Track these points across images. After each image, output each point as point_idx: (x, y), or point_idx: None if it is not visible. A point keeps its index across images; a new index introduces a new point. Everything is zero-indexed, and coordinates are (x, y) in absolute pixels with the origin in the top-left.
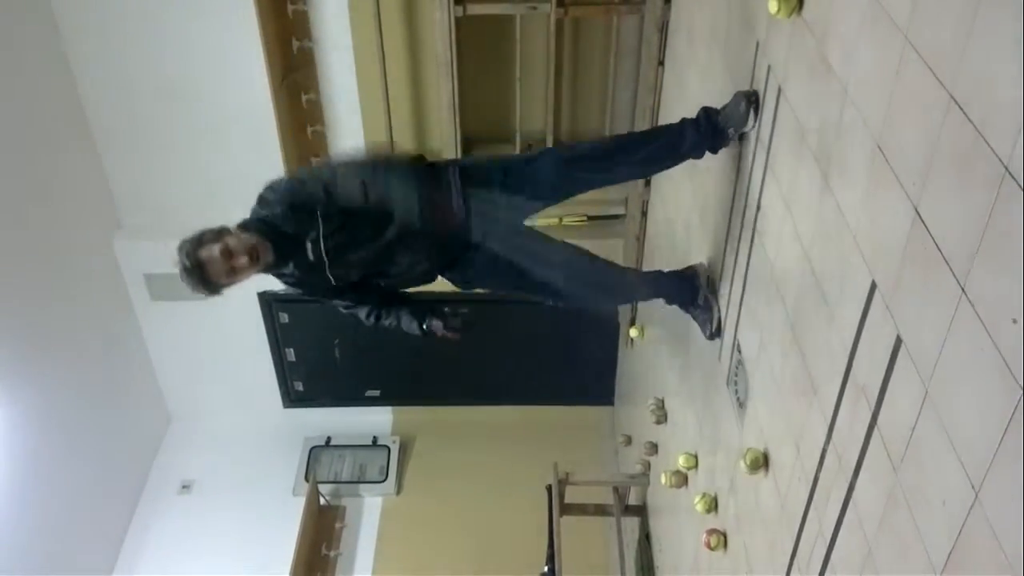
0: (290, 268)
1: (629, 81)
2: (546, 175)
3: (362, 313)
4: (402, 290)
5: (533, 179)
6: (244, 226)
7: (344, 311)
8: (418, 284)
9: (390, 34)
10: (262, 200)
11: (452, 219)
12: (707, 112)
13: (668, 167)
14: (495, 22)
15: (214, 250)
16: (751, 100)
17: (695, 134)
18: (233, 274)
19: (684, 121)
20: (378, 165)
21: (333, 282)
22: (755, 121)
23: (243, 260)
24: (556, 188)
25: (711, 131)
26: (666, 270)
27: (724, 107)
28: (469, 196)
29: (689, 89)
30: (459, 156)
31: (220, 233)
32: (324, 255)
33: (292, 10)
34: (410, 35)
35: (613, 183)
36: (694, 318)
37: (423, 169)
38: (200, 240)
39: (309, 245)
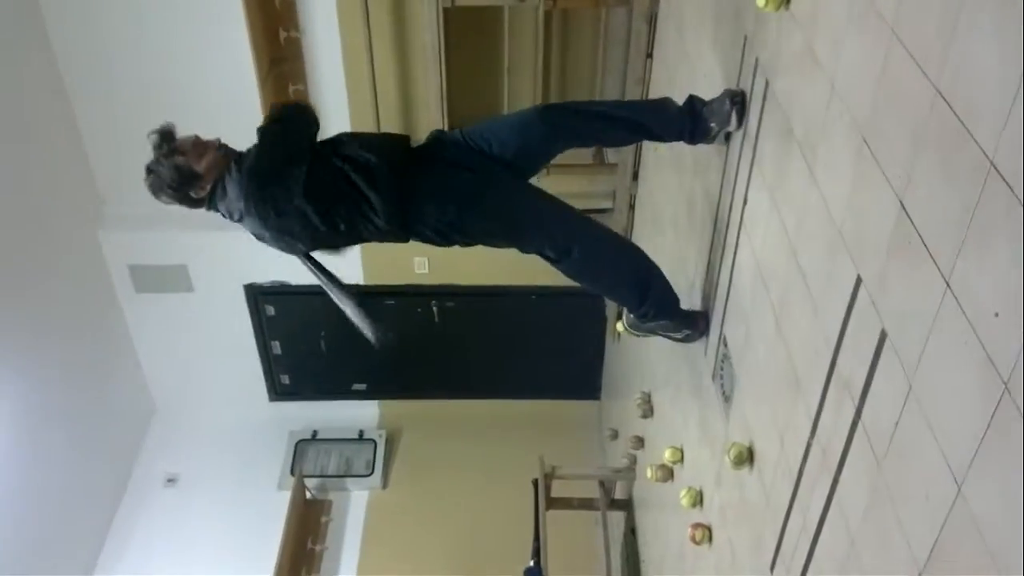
0: None
1: (617, 73)
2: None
3: None
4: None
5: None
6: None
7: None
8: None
9: (378, 25)
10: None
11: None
12: (692, 100)
13: (645, 133)
14: (483, 13)
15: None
16: (735, 100)
17: (677, 114)
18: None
19: (670, 100)
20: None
21: None
22: (739, 125)
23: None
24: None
25: (692, 119)
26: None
27: (711, 101)
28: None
29: (677, 82)
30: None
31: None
32: None
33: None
34: (398, 26)
35: (594, 137)
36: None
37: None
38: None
39: None
